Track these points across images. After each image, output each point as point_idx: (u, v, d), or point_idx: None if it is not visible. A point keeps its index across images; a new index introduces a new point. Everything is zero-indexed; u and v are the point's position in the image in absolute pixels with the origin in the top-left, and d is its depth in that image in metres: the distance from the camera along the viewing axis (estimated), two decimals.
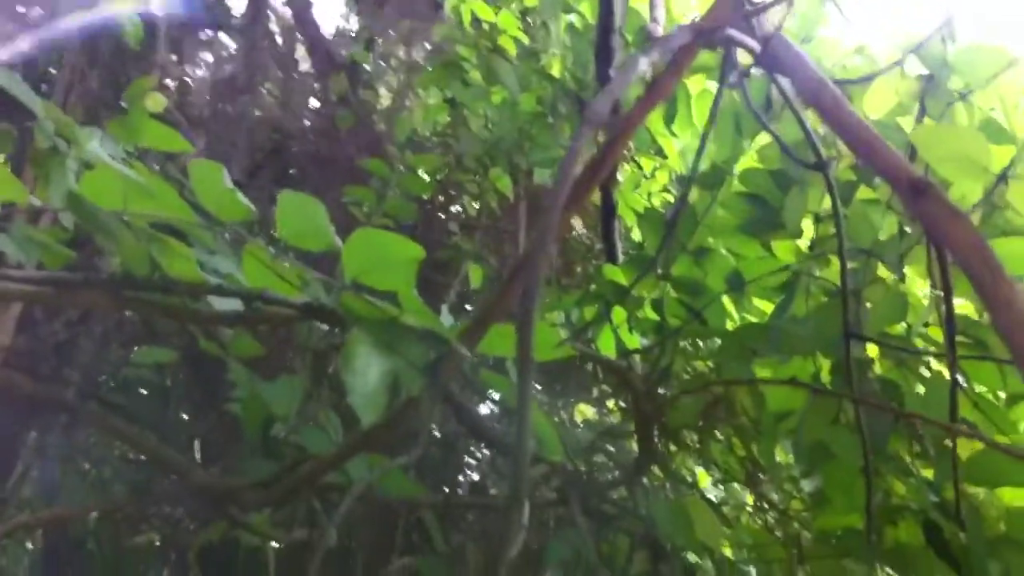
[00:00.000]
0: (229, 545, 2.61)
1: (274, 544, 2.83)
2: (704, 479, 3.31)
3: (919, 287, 2.46)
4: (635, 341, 2.53)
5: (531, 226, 3.21)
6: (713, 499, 2.96)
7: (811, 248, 2.44)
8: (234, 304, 1.53)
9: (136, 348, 3.53)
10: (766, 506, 3.21)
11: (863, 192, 2.38)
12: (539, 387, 3.73)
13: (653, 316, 2.54)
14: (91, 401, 2.42)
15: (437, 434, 3.48)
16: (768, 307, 2.57)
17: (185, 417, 3.48)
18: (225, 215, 1.48)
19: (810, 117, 2.18)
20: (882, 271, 2.28)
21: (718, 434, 2.84)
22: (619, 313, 2.55)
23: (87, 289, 1.39)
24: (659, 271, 2.46)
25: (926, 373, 2.34)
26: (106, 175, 1.36)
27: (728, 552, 3.24)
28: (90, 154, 1.35)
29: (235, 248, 1.62)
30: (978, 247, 0.92)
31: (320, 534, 1.95)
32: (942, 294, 2.10)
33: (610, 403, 4.06)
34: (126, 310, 1.43)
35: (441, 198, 3.83)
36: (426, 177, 3.02)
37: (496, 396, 3.34)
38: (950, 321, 1.91)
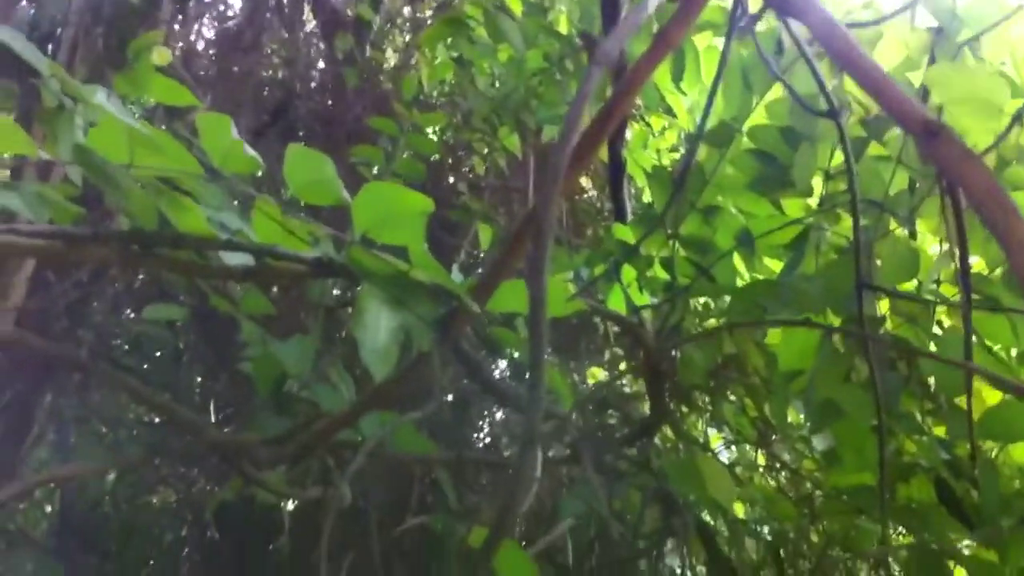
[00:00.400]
0: (245, 505, 2.64)
1: (290, 507, 2.87)
2: (716, 441, 3.32)
3: (930, 244, 2.46)
4: (645, 300, 2.53)
5: (539, 183, 3.20)
6: (724, 461, 2.96)
7: (821, 205, 2.43)
8: (244, 259, 1.53)
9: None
10: (778, 466, 3.23)
11: (874, 148, 2.36)
12: (550, 350, 3.73)
13: (663, 275, 2.53)
14: (104, 360, 2.43)
15: (450, 397, 3.49)
16: (778, 266, 2.56)
17: (198, 379, 3.50)
18: (233, 168, 1.47)
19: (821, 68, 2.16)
20: (893, 229, 2.26)
21: (730, 395, 2.85)
22: (628, 272, 2.55)
23: (96, 244, 1.39)
24: (668, 230, 2.45)
25: (937, 331, 2.34)
26: (112, 128, 1.36)
27: (740, 512, 3.26)
28: (96, 108, 1.34)
29: (244, 207, 1.62)
30: (992, 188, 0.91)
31: (334, 492, 1.95)
32: (954, 249, 2.09)
33: (622, 366, 4.06)
34: (135, 266, 1.43)
35: (450, 159, 3.82)
36: (434, 137, 3.01)
37: (506, 367, 3.36)
38: (964, 260, 1.89)
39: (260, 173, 1.67)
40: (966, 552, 2.28)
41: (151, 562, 3.09)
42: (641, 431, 2.14)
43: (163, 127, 2.54)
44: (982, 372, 1.84)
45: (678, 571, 2.85)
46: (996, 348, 2.20)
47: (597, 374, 4.02)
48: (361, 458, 1.54)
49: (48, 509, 3.69)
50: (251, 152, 1.46)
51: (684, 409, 3.32)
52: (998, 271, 2.24)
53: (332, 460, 2.03)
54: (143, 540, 3.10)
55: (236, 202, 1.63)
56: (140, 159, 1.37)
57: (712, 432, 3.43)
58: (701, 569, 3.10)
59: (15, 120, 1.43)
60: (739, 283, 2.50)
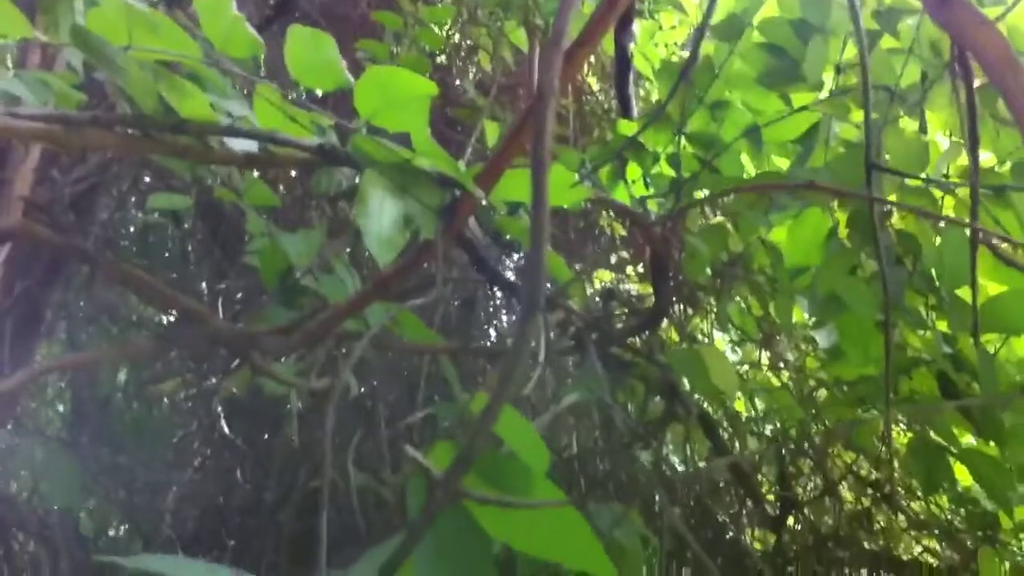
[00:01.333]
0: (255, 400, 2.68)
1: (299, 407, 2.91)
2: (720, 345, 3.34)
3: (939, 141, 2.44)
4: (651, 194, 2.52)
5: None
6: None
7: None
8: (247, 145, 1.53)
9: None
10: (781, 365, 3.26)
11: (886, 41, 2.33)
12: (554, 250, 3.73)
13: (669, 172, 2.52)
14: (110, 252, 2.44)
15: (456, 303, 3.51)
16: (786, 164, 2.54)
17: (204, 283, 3.52)
18: (234, 51, 1.45)
19: None
20: (902, 117, 2.25)
21: (735, 297, 2.85)
22: (634, 169, 2.53)
23: (95, 128, 1.38)
24: (675, 128, 2.43)
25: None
26: (111, 10, 1.34)
27: (743, 410, 3.30)
28: None
29: (248, 99, 1.60)
30: (1005, 54, 0.89)
31: (342, 384, 1.97)
32: (964, 135, 2.07)
33: (629, 270, 4.07)
34: (136, 151, 1.43)
35: (456, 59, 3.76)
36: (439, 32, 2.96)
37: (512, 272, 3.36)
38: (973, 130, 1.86)
39: (263, 60, 1.65)
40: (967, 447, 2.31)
41: (164, 455, 3.16)
42: (645, 323, 2.15)
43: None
44: (984, 231, 1.83)
45: (679, 467, 2.90)
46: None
47: (604, 276, 4.03)
48: (364, 343, 1.56)
49: (60, 409, 3.76)
50: (252, 31, 1.44)
51: (689, 311, 3.34)
52: (1007, 165, 2.22)
53: (339, 352, 2.05)
54: (155, 436, 3.16)
55: (239, 89, 1.62)
56: (139, 40, 1.35)
57: (718, 336, 3.45)
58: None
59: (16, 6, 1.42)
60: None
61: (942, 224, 2.23)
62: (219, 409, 2.76)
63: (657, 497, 2.39)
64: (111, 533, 3.19)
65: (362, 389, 2.93)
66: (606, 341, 2.03)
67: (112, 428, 3.09)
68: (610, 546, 1.75)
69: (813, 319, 2.35)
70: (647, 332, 2.17)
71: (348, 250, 2.11)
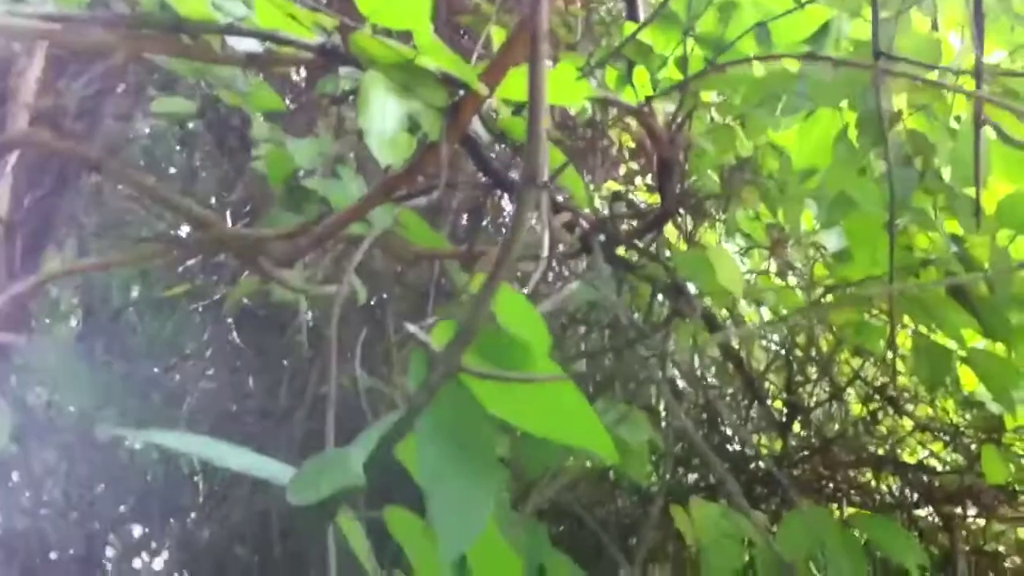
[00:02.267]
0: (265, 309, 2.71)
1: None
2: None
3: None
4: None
5: None
6: None
7: None
8: (249, 44, 1.52)
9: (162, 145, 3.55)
10: (790, 273, 3.26)
11: None
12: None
13: (677, 76, 2.49)
14: (117, 159, 2.44)
15: (464, 218, 3.51)
16: (795, 66, 2.51)
17: (214, 201, 3.53)
18: None
19: None
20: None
21: (743, 205, 2.84)
22: (642, 73, 2.50)
23: (95, 26, 1.37)
24: (683, 28, 2.39)
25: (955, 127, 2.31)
26: None
27: (751, 318, 3.32)
28: None
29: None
30: None
31: (348, 290, 1.99)
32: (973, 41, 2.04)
33: (637, 181, 4.05)
34: (136, 51, 1.41)
35: None
36: None
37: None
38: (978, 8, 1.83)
39: None
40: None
41: (174, 363, 3.21)
42: (652, 222, 2.15)
43: None
44: (988, 99, 1.81)
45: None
46: None
47: (613, 187, 4.01)
48: (367, 244, 1.57)
49: (73, 324, 3.80)
50: None
51: (696, 220, 3.34)
52: (1021, 62, 2.19)
53: (347, 258, 2.06)
54: (166, 346, 3.20)
55: None
56: None
57: (725, 247, 3.45)
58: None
59: None
60: None
61: (953, 123, 2.21)
62: (229, 320, 2.80)
63: (663, 398, 2.42)
64: (126, 444, 3.26)
65: (372, 301, 2.95)
66: (612, 243, 2.03)
67: (125, 341, 3.13)
68: (618, 442, 1.77)
69: (820, 225, 2.34)
70: (654, 233, 2.17)
71: (353, 154, 2.10)
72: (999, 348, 2.29)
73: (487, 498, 0.81)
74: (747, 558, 2.12)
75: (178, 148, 3.47)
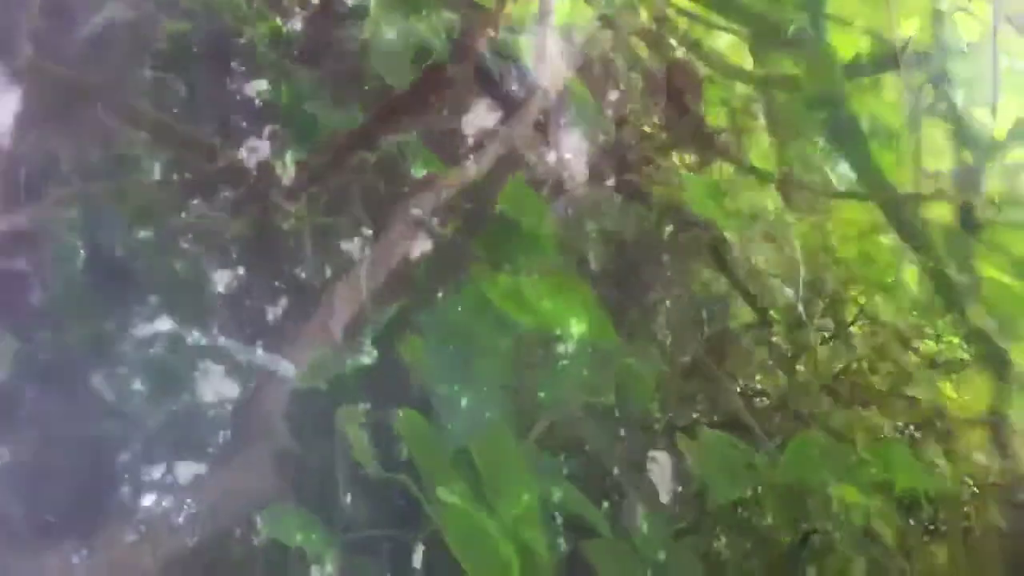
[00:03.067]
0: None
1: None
2: None
3: None
4: None
5: None
6: None
7: None
8: None
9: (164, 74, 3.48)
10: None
11: None
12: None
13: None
14: (121, 90, 2.40)
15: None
16: None
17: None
18: None
19: None
20: None
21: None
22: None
23: None
24: None
25: None
26: None
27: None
28: None
29: None
30: None
31: (352, 219, 1.99)
32: None
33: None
34: None
35: None
36: None
37: None
38: None
39: None
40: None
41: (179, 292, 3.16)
42: (663, 145, 2.13)
43: None
44: None
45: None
46: None
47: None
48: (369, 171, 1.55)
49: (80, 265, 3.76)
50: None
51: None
52: None
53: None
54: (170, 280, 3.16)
55: None
56: None
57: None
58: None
59: None
60: None
61: None
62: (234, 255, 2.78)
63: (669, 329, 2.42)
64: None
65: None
66: (622, 168, 2.01)
67: (126, 273, 3.09)
68: (625, 371, 1.76)
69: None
70: (663, 159, 2.15)
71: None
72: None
73: (491, 393, 0.80)
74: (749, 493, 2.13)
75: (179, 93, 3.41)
